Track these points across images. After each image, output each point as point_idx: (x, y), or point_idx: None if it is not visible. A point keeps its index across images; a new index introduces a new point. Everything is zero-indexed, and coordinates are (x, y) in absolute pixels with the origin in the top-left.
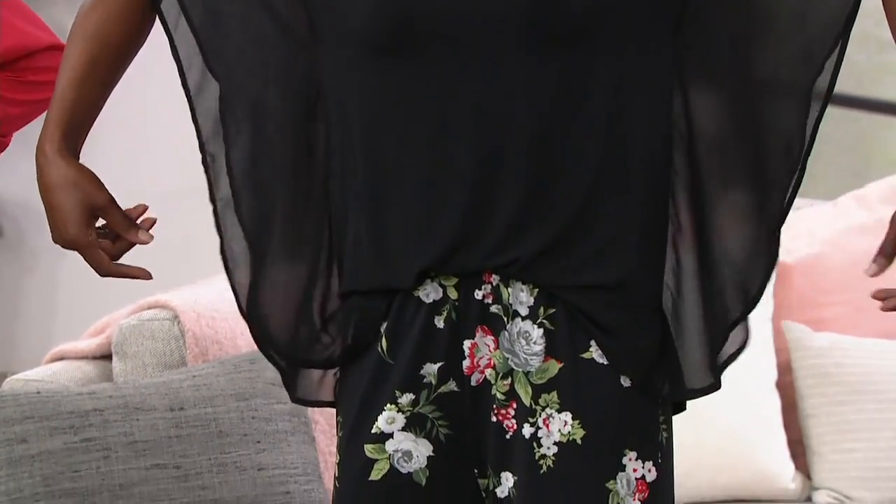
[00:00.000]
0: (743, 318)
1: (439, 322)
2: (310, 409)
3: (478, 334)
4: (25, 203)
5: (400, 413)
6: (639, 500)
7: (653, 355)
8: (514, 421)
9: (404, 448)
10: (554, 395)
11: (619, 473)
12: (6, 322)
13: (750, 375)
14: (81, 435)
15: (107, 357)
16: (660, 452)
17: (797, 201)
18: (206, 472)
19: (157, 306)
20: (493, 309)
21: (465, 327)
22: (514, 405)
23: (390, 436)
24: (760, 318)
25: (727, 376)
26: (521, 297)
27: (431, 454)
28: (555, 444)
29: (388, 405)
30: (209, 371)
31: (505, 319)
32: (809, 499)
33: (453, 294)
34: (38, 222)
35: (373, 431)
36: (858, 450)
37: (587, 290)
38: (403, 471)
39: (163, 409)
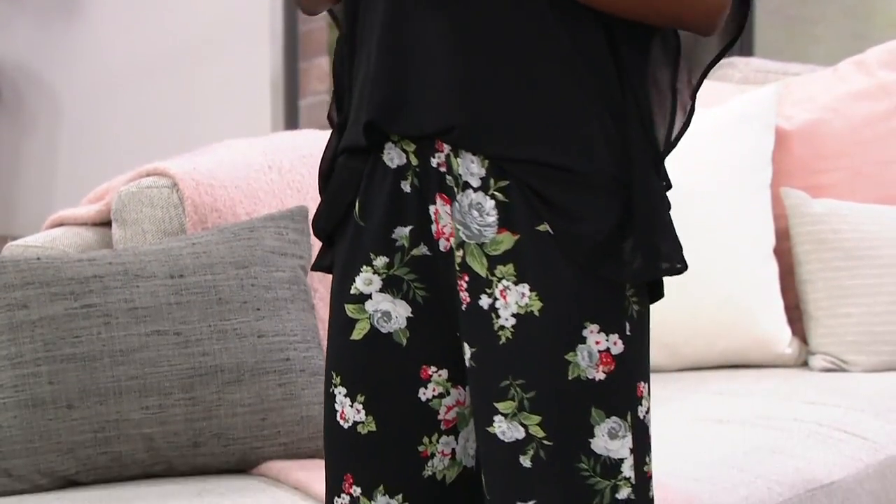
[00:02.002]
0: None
1: (405, 187)
2: (309, 277)
3: (438, 201)
4: (23, 66)
5: (376, 275)
6: (603, 371)
7: (599, 240)
8: (466, 294)
9: (383, 308)
10: (510, 268)
11: (580, 346)
12: (5, 186)
13: (748, 242)
14: (82, 301)
15: (106, 224)
16: (628, 325)
17: (796, 67)
18: (206, 338)
19: (156, 174)
20: (448, 179)
21: (428, 193)
22: (466, 278)
23: (369, 297)
24: (759, 185)
25: (726, 242)
26: (472, 168)
27: (410, 315)
28: (513, 315)
29: (364, 267)
30: (208, 239)
31: (455, 190)
32: (806, 363)
33: (413, 160)
34: (36, 86)
35: (352, 292)
36: (854, 315)
37: (534, 166)
38: (383, 331)
39: (163, 276)
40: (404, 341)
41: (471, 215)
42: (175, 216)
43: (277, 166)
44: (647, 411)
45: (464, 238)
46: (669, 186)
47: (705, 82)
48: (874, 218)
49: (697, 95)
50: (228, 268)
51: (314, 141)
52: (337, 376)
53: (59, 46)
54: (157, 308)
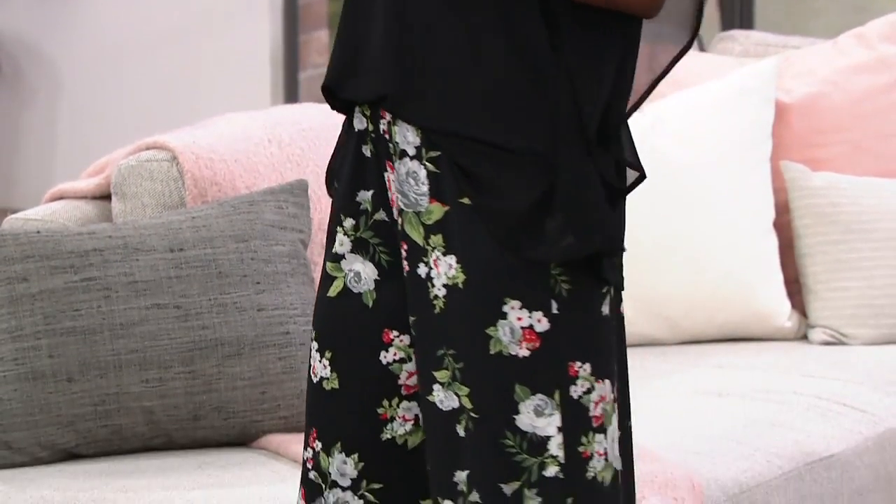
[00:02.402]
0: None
1: (366, 151)
2: (309, 251)
3: (388, 168)
4: (23, 40)
5: (346, 237)
6: (527, 348)
7: (518, 216)
8: (406, 262)
9: (355, 269)
10: (440, 238)
11: (500, 321)
12: (5, 159)
13: (747, 215)
14: (82, 274)
15: (106, 197)
16: (555, 303)
17: (796, 40)
18: (205, 312)
19: (156, 147)
20: (390, 146)
21: (382, 159)
22: (405, 246)
23: (343, 256)
24: (758, 158)
25: (726, 215)
26: (409, 136)
27: (377, 278)
28: (443, 286)
29: (338, 227)
30: (208, 212)
31: (394, 158)
32: (805, 337)
33: (370, 126)
34: (36, 59)
35: (332, 251)
36: (853, 288)
37: (460, 139)
38: (354, 290)
39: (162, 249)
40: (370, 303)
41: (408, 183)
42: (175, 190)
43: (277, 140)
44: (588, 391)
45: (402, 206)
46: (642, 174)
47: (704, 55)
48: (874, 191)
49: (660, 81)
50: (228, 241)
51: (314, 114)
52: (314, 331)
53: (58, 19)
54: (156, 281)
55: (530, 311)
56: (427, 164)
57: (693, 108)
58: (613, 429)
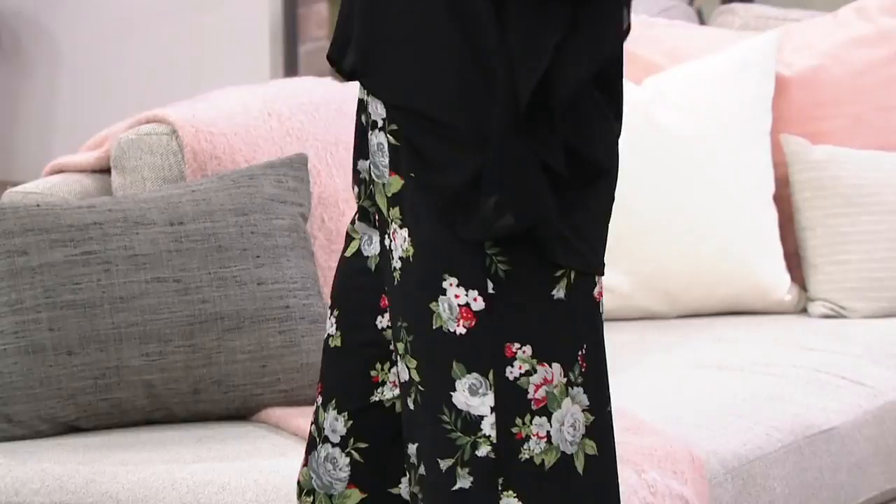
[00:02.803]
0: None
1: (364, 120)
2: (308, 224)
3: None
4: (22, 12)
5: (357, 202)
6: (464, 326)
7: (452, 192)
8: (379, 233)
9: (368, 233)
10: (398, 210)
11: (441, 297)
12: (4, 132)
13: (747, 189)
14: (81, 248)
15: (105, 171)
16: (491, 283)
17: (797, 13)
18: (205, 285)
19: (155, 121)
20: (371, 117)
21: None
22: (377, 216)
23: (356, 219)
24: (758, 132)
25: (726, 189)
26: (378, 108)
27: (380, 245)
28: (399, 258)
29: (354, 191)
30: (208, 186)
31: (369, 129)
32: (805, 310)
33: (363, 95)
34: (35, 32)
35: (355, 214)
36: (853, 261)
37: (410, 113)
38: (365, 253)
39: (162, 223)
40: (373, 267)
41: (378, 154)
42: (174, 163)
43: (277, 113)
44: (527, 373)
45: (374, 177)
46: (610, 168)
47: (705, 28)
48: (874, 164)
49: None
50: (228, 215)
51: (314, 88)
52: (333, 289)
53: None
54: (156, 255)
55: (467, 290)
56: (389, 136)
57: (693, 81)
58: (565, 413)
